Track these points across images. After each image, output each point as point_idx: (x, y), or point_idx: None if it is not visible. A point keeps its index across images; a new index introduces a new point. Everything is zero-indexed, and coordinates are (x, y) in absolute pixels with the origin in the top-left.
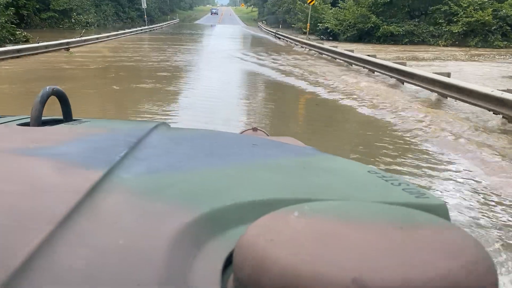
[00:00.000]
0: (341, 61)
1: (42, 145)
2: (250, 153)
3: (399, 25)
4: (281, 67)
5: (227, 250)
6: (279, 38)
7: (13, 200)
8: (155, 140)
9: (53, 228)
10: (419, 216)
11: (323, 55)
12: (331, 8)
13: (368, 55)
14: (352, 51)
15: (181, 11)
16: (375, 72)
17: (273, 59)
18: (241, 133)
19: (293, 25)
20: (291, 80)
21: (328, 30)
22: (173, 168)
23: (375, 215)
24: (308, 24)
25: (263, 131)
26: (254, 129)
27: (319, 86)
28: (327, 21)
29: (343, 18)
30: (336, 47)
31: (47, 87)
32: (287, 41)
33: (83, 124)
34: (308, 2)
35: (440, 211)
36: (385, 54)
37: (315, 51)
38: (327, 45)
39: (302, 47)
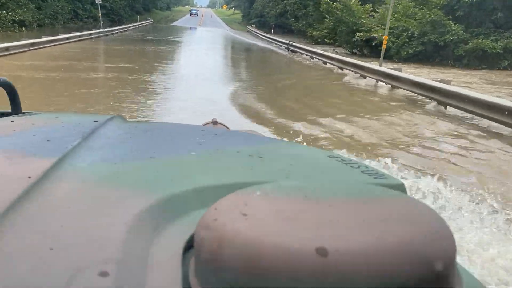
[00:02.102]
0: None
1: None
2: (209, 142)
3: (493, 37)
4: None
5: (187, 233)
6: (296, 52)
7: None
8: (109, 131)
9: (1, 213)
10: (380, 192)
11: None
12: (373, 10)
13: None
14: None
15: (158, 11)
16: None
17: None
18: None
19: (306, 33)
20: None
21: (373, 43)
22: (128, 158)
23: (337, 192)
24: (386, 37)
25: (223, 124)
26: (215, 123)
27: None
28: (368, 29)
29: (399, 25)
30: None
31: None
32: (322, 60)
33: (34, 116)
34: None
35: (398, 190)
36: None
37: (423, 94)
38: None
39: (371, 78)
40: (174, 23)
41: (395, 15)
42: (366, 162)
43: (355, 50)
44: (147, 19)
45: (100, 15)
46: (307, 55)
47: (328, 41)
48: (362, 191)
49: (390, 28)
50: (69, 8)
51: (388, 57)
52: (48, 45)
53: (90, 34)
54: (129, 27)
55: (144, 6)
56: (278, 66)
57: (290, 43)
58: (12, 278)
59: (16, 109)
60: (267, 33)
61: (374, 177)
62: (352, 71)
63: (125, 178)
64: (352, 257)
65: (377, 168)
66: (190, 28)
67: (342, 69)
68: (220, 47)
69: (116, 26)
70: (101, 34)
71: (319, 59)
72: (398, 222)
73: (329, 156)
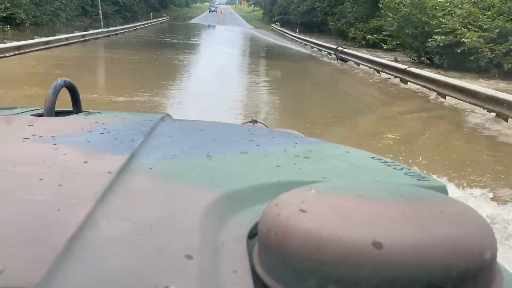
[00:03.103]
0: None
1: (63, 134)
2: (257, 141)
3: None
4: None
5: (249, 224)
6: (346, 61)
7: (54, 181)
8: (165, 130)
9: (94, 204)
10: (426, 193)
11: None
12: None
13: None
14: None
15: (176, 8)
16: None
17: None
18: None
19: (347, 33)
20: None
21: (458, 50)
22: (188, 155)
23: (385, 192)
24: None
25: (263, 123)
26: (254, 121)
27: None
28: (450, 30)
29: (496, 25)
30: None
31: (59, 79)
32: (395, 76)
33: (95, 115)
34: None
35: (441, 191)
36: None
37: None
38: None
39: None
40: (192, 21)
41: (487, 13)
42: None
43: (423, 59)
44: (163, 16)
45: (100, 11)
46: (367, 66)
47: (386, 47)
48: (409, 192)
49: (484, 30)
50: (75, 4)
51: (479, 70)
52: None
53: (84, 36)
54: (139, 25)
55: (160, 2)
56: (337, 89)
57: (340, 48)
58: (110, 261)
59: (77, 108)
60: (293, 32)
61: (417, 179)
62: (472, 103)
63: (189, 174)
64: (405, 250)
65: (419, 171)
66: (209, 26)
67: (444, 96)
68: (247, 53)
69: (122, 26)
70: (100, 36)
71: (390, 75)
72: (445, 220)
73: (372, 158)
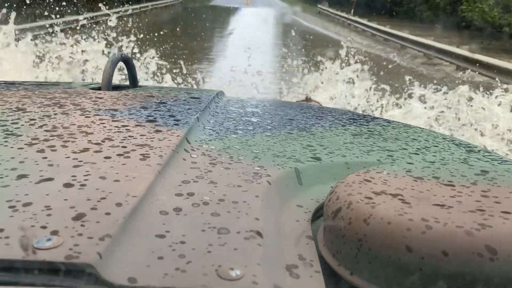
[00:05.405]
0: None
1: (120, 108)
2: (314, 119)
3: None
4: None
5: (313, 205)
6: None
7: (113, 154)
8: (219, 107)
9: (153, 178)
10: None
11: None
12: None
13: None
14: None
15: None
16: None
17: None
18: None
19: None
20: None
21: None
22: (245, 132)
23: (468, 175)
24: None
25: (316, 101)
26: (308, 99)
27: None
28: None
29: None
30: None
31: (116, 53)
32: None
33: (150, 90)
34: None
35: None
36: None
37: None
38: None
39: None
40: (213, 2)
41: None
42: None
43: None
44: None
45: None
46: None
47: None
48: (494, 176)
49: None
50: None
51: None
52: None
53: None
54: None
55: None
56: None
57: None
58: (172, 233)
59: (134, 83)
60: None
61: (498, 162)
62: None
63: (247, 152)
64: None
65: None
66: (233, 8)
67: None
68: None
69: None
70: None
71: None
72: None
73: (444, 138)
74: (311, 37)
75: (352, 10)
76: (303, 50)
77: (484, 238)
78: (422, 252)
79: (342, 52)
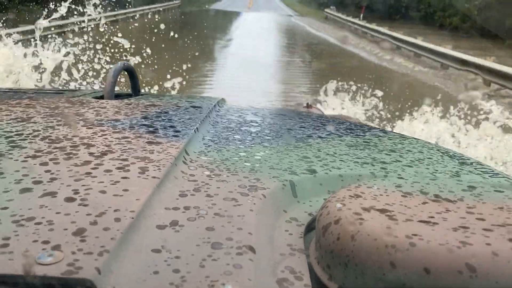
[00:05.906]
0: None
1: (121, 118)
2: (313, 129)
3: None
4: None
5: (306, 218)
6: None
7: (113, 166)
8: (219, 115)
9: (151, 191)
10: (505, 193)
11: None
12: None
13: None
14: None
15: None
16: None
17: None
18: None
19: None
20: None
21: None
22: (244, 143)
23: (460, 190)
24: None
25: (318, 108)
26: (309, 106)
27: None
28: None
29: None
30: None
31: (119, 62)
32: None
33: (152, 99)
34: None
35: None
36: None
37: None
38: None
39: None
40: (213, 6)
41: None
42: None
43: None
44: None
45: None
46: None
47: None
48: (486, 191)
49: None
50: None
51: None
52: None
53: None
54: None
55: None
56: None
57: None
58: (167, 248)
59: (135, 91)
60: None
61: (490, 175)
62: None
63: (245, 164)
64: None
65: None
66: (234, 13)
67: None
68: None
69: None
70: None
71: None
72: None
73: (438, 150)
74: (324, 52)
75: (361, 15)
76: (317, 82)
77: (465, 256)
78: (406, 269)
79: (377, 83)
